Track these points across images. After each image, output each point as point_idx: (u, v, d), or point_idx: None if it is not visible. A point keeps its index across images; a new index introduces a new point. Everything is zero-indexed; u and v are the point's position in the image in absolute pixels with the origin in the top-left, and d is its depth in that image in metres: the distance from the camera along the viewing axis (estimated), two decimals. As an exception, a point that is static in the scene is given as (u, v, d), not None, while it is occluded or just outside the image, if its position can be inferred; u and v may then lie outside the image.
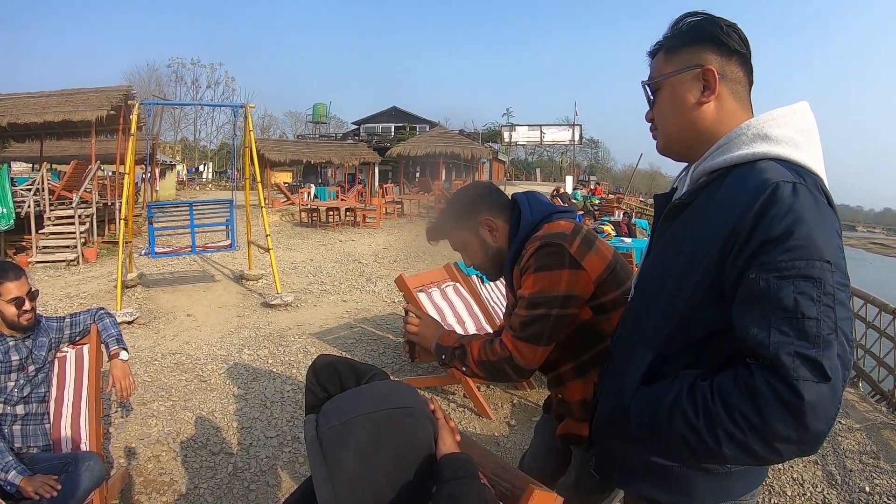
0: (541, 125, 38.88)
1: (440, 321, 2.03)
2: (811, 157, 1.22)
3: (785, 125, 1.24)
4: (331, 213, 17.60)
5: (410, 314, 2.05)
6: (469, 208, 1.98)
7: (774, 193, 1.10)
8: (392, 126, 42.85)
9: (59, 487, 2.43)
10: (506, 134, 39.74)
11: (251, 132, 8.49)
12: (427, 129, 37.04)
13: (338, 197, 21.72)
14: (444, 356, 1.91)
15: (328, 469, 1.21)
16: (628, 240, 10.60)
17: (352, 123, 48.97)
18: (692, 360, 1.24)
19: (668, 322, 1.26)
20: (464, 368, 1.87)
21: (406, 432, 1.29)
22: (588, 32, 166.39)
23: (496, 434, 4.21)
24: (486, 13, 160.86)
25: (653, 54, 1.42)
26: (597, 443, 1.55)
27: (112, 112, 14.45)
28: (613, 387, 1.38)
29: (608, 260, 1.82)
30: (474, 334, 2.00)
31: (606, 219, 14.21)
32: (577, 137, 39.52)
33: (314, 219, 17.21)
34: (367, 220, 17.53)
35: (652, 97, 1.41)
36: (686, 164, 1.46)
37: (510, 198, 2.02)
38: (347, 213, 17.82)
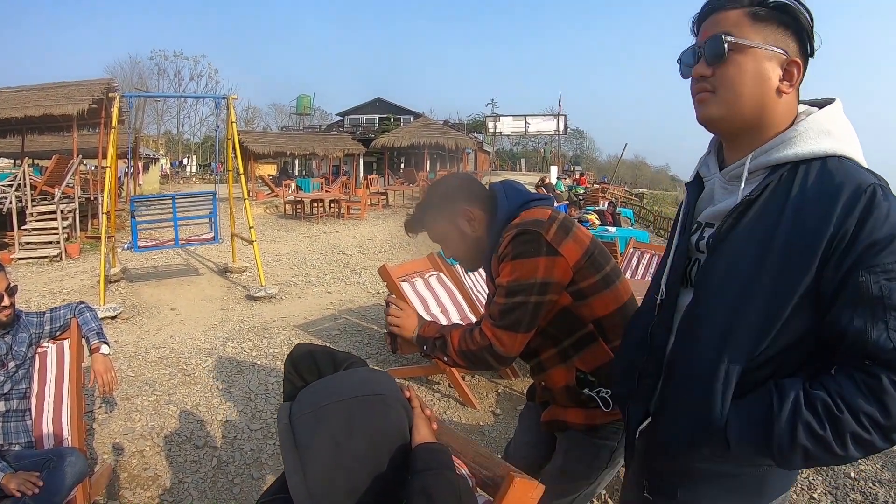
0: (525, 115, 39.42)
1: (424, 311, 2.02)
2: (861, 154, 1.24)
3: (839, 122, 1.25)
4: (315, 204, 17.41)
5: (391, 306, 2.04)
6: (447, 199, 1.98)
7: (873, 197, 1.12)
8: (376, 117, 42.20)
9: (41, 484, 2.42)
10: (490, 124, 40.08)
11: (234, 124, 8.40)
12: (411, 120, 36.82)
13: (322, 189, 21.63)
14: (425, 347, 1.92)
15: (300, 457, 1.20)
16: (612, 229, 10.89)
17: (336, 115, 48.49)
18: (775, 367, 1.23)
19: (757, 329, 1.22)
20: (445, 358, 1.87)
21: (379, 419, 1.28)
22: (574, 23, 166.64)
23: (481, 423, 4.25)
24: (471, 4, 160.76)
25: (722, 6, 1.28)
26: (651, 466, 1.50)
27: (94, 105, 14.30)
28: (689, 405, 1.30)
29: (586, 246, 1.82)
30: (455, 324, 2.01)
31: (591, 208, 14.35)
32: (561, 128, 39.96)
33: (298, 211, 17.08)
34: (352, 211, 17.41)
35: (724, 55, 1.25)
36: (710, 147, 1.44)
37: (488, 188, 2.02)
38: (332, 205, 17.68)
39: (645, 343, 1.45)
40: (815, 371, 1.21)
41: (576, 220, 1.91)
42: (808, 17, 1.25)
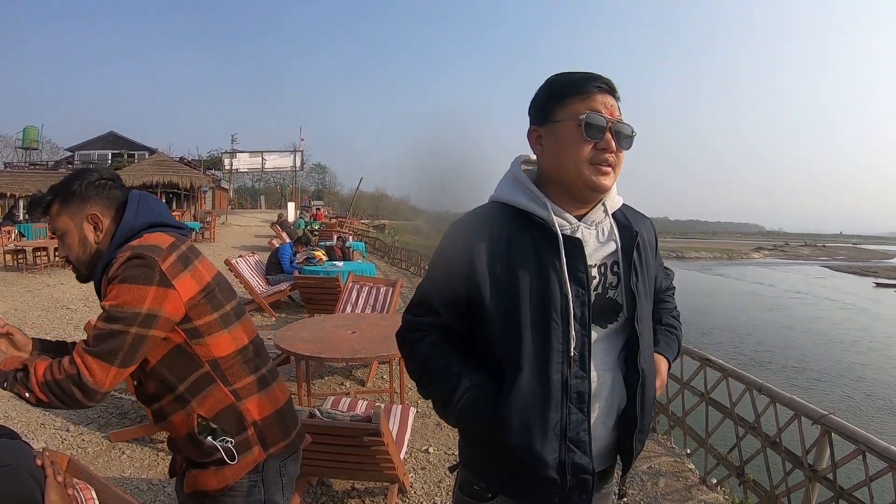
0: (262, 151, 39.98)
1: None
2: None
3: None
4: (39, 253, 15.53)
5: None
6: (78, 195, 1.77)
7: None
8: (109, 153, 39.95)
9: None
10: (227, 161, 39.98)
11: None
12: (146, 156, 35.60)
13: (48, 235, 18.94)
14: (5, 383, 1.59)
15: None
16: (340, 263, 11.12)
17: (65, 150, 45.24)
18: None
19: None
20: (27, 395, 1.56)
21: (7, 491, 1.28)
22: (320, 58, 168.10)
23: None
24: (215, 34, 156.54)
25: (614, 94, 1.43)
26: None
27: None
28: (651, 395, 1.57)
29: (206, 282, 1.73)
30: (44, 356, 1.68)
31: (323, 244, 14.41)
32: (298, 163, 41.08)
33: (20, 261, 15.25)
34: (79, 259, 16.10)
35: (631, 146, 1.44)
36: (536, 204, 1.45)
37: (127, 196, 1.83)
38: (57, 253, 13.84)
39: (566, 410, 1.39)
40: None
41: (200, 253, 1.82)
42: None
